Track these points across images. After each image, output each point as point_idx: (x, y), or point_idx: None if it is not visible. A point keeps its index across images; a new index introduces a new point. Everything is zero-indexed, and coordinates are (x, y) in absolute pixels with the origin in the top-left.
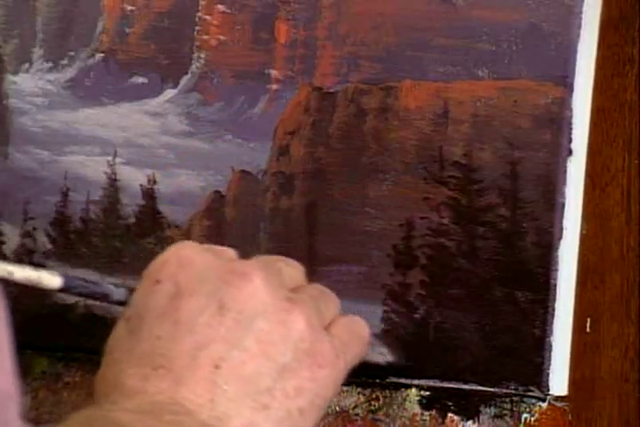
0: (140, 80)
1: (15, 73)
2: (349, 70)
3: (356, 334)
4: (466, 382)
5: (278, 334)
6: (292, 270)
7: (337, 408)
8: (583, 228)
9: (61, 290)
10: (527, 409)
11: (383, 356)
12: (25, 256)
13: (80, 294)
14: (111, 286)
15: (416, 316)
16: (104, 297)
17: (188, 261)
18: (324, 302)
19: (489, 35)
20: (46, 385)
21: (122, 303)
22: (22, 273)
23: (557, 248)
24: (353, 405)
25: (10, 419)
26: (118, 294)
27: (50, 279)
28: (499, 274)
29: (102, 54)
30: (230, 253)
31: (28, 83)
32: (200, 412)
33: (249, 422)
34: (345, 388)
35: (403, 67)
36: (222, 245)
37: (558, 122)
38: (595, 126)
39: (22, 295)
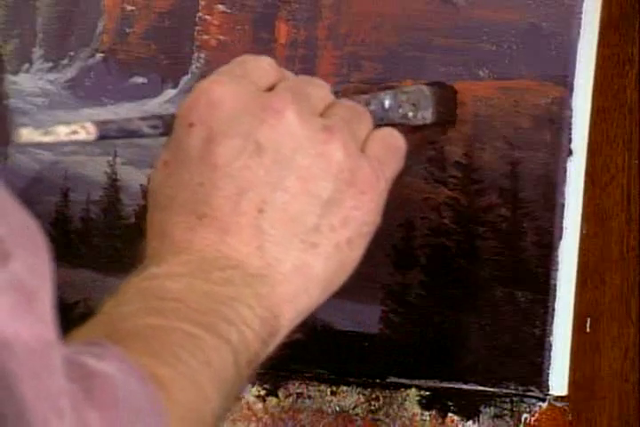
0: (140, 80)
1: (15, 73)
2: (350, 70)
3: (392, 148)
4: (466, 382)
5: (318, 168)
6: (320, 91)
7: (337, 408)
8: (583, 228)
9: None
10: (527, 409)
11: (427, 118)
12: None
13: (118, 138)
14: (149, 129)
15: (415, 316)
16: (141, 136)
17: (218, 101)
18: (357, 120)
19: (489, 35)
20: None
21: (159, 136)
22: (57, 139)
23: (557, 248)
24: (353, 405)
25: (53, 366)
26: (155, 133)
27: (85, 136)
28: (499, 274)
29: (102, 54)
30: (264, 66)
31: (28, 83)
32: (248, 261)
33: (299, 264)
34: (345, 388)
35: (403, 67)
36: None
37: (558, 122)
38: (595, 126)
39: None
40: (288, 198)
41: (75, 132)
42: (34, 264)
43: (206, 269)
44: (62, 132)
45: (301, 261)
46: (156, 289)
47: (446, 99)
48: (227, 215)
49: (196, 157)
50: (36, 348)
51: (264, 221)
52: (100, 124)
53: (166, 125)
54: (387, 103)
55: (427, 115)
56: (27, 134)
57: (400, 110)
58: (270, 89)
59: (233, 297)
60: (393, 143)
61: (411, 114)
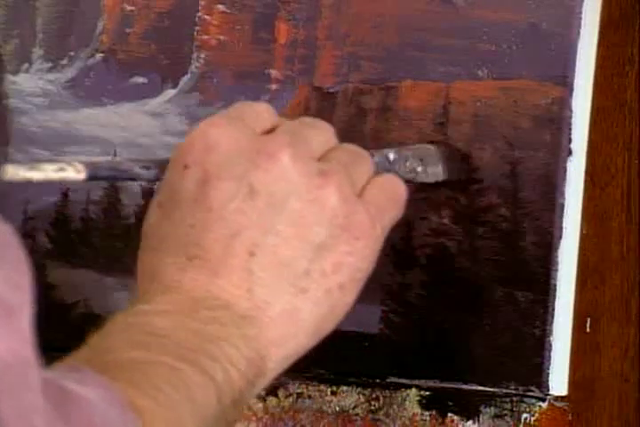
0: (140, 80)
1: (15, 73)
2: (349, 70)
3: (390, 196)
4: (466, 382)
5: (312, 213)
6: (321, 135)
7: (337, 408)
8: (583, 228)
9: (89, 179)
10: (527, 409)
11: (438, 174)
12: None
13: (108, 180)
14: (141, 169)
15: (415, 316)
16: (132, 179)
17: (214, 143)
18: (356, 165)
19: (489, 35)
20: None
21: (151, 181)
22: (44, 176)
23: (557, 248)
24: (353, 405)
25: (30, 384)
26: (148, 175)
27: (75, 176)
28: (499, 274)
29: (102, 54)
30: (261, 111)
31: (28, 83)
32: (237, 303)
33: (288, 308)
34: (345, 388)
35: (403, 67)
36: None
37: (558, 122)
38: (595, 126)
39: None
40: (280, 242)
41: (62, 169)
42: (13, 279)
43: (195, 308)
44: (49, 169)
45: (291, 305)
46: (143, 325)
47: (453, 156)
48: (217, 257)
49: (190, 198)
50: (12, 363)
51: (255, 264)
52: (90, 164)
53: (159, 167)
54: (391, 156)
55: (437, 171)
56: (12, 170)
57: (407, 164)
58: (268, 133)
59: (220, 336)
60: (393, 190)
61: (419, 169)
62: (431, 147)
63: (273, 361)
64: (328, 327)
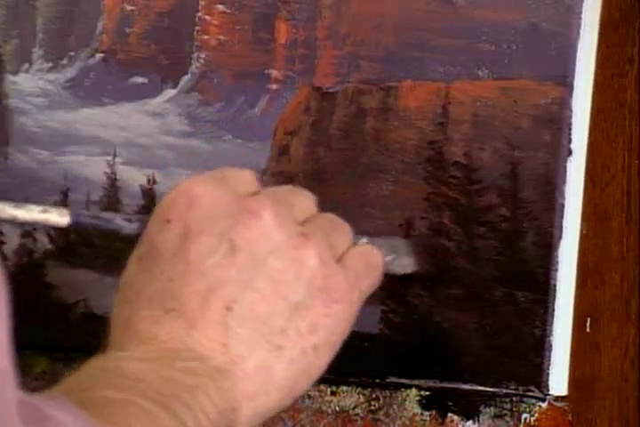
0: (140, 80)
1: (15, 73)
2: (349, 70)
3: (369, 264)
4: (466, 382)
5: (291, 272)
6: (303, 201)
7: (337, 408)
8: (583, 228)
9: (72, 226)
10: (527, 409)
11: (408, 266)
12: (25, 256)
13: (90, 229)
14: (123, 222)
15: (415, 316)
16: (114, 232)
17: (197, 199)
18: (336, 232)
19: (489, 35)
20: (46, 385)
21: (132, 237)
22: (29, 216)
23: (557, 248)
24: (353, 405)
25: (8, 396)
26: (130, 228)
27: (58, 219)
28: (499, 274)
29: (102, 54)
30: (244, 176)
31: (28, 83)
32: (212, 356)
33: (262, 364)
34: (345, 388)
35: (403, 67)
36: None
37: (558, 122)
38: (595, 126)
39: (22, 295)
40: (257, 299)
41: (46, 211)
42: None
43: (170, 358)
44: (34, 209)
45: (265, 362)
46: (118, 368)
47: (425, 250)
48: (194, 311)
49: (170, 252)
50: None
51: (231, 319)
52: (74, 211)
53: (142, 220)
54: (363, 241)
55: (407, 262)
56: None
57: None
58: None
59: (194, 385)
60: (371, 259)
61: (389, 257)
62: (402, 240)
63: (244, 415)
64: (301, 388)
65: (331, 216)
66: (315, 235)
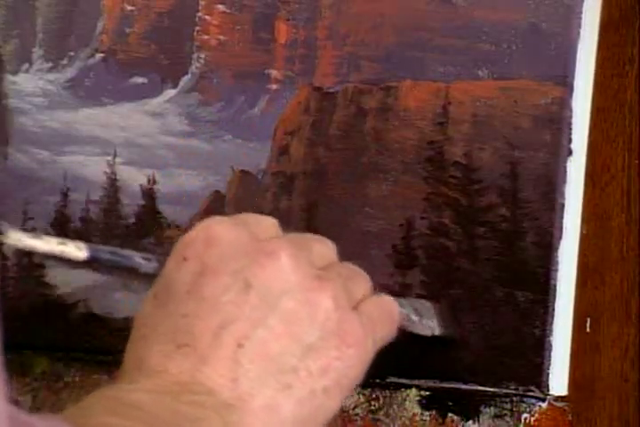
0: (140, 80)
1: (15, 73)
2: (349, 70)
3: (385, 314)
4: (466, 382)
5: (304, 312)
6: (323, 248)
7: None
8: (583, 228)
9: (88, 261)
10: (527, 409)
11: (431, 329)
12: (25, 256)
13: (108, 266)
14: (142, 260)
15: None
16: (132, 270)
17: (215, 239)
18: (354, 280)
19: (489, 35)
20: (46, 385)
21: (150, 276)
22: (46, 247)
23: (557, 248)
24: (353, 405)
25: None
26: (148, 267)
27: (75, 253)
28: (499, 274)
29: (102, 54)
30: (266, 223)
31: (28, 83)
32: (221, 391)
33: (271, 402)
34: None
35: (403, 67)
36: None
37: (558, 122)
38: (595, 126)
39: (22, 295)
40: (269, 337)
41: (63, 244)
42: None
43: (178, 391)
44: (52, 241)
45: (273, 400)
46: (122, 398)
47: (448, 314)
48: (206, 346)
49: (185, 289)
50: None
51: (242, 355)
52: (92, 245)
53: (159, 260)
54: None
55: (432, 325)
56: (15, 236)
57: (403, 311)
58: None
59: (199, 418)
60: (388, 309)
61: (414, 318)
62: (426, 302)
63: None
64: None
65: (351, 266)
66: (331, 279)
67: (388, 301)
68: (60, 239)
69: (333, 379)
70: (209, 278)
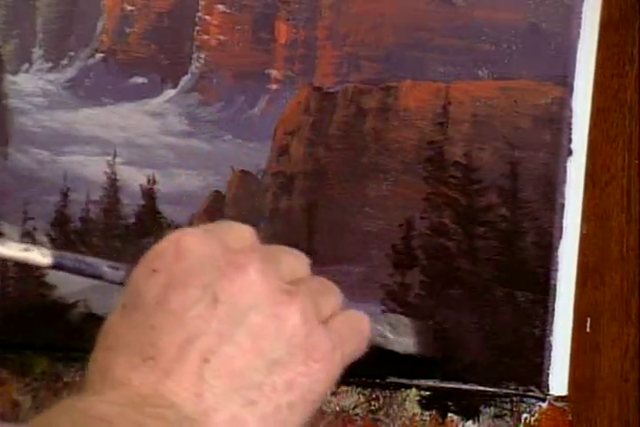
0: (140, 80)
1: (15, 73)
2: (349, 70)
3: (355, 329)
4: (466, 382)
5: (271, 327)
6: (294, 262)
7: (337, 408)
8: (583, 228)
9: (54, 267)
10: (527, 409)
11: (406, 347)
12: None
13: (72, 273)
14: (108, 268)
15: (415, 316)
16: (98, 277)
17: (185, 251)
18: (325, 295)
19: (489, 35)
20: (46, 385)
21: (117, 283)
22: (10, 253)
23: (557, 248)
24: (353, 405)
25: None
26: (114, 276)
27: (39, 259)
28: (499, 274)
29: (102, 54)
30: (240, 231)
31: (28, 83)
32: (184, 405)
33: (235, 418)
34: (345, 388)
35: (403, 67)
36: None
37: (558, 122)
38: (595, 126)
39: (22, 295)
40: (236, 352)
41: (27, 250)
42: None
43: (140, 403)
44: (16, 247)
45: (238, 415)
46: (87, 409)
47: (427, 332)
48: (171, 360)
49: (153, 301)
50: None
51: (207, 370)
52: (57, 252)
53: (127, 270)
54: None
55: (408, 342)
56: None
57: (378, 327)
58: None
59: None
60: (358, 324)
61: (390, 336)
62: (404, 318)
63: None
64: None
65: (322, 280)
66: (300, 294)
67: (358, 316)
68: (25, 245)
69: (299, 394)
70: (178, 291)
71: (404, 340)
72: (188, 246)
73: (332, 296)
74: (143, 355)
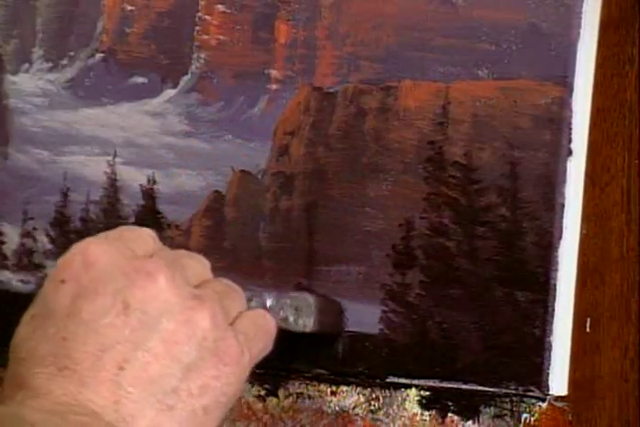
0: (140, 80)
1: (15, 73)
2: (349, 70)
3: (261, 329)
4: (466, 382)
5: (183, 333)
6: (197, 266)
7: (337, 408)
8: (583, 228)
9: None
10: (527, 409)
11: (305, 327)
12: (25, 256)
13: None
14: (19, 283)
15: (415, 316)
16: (4, 292)
17: (92, 260)
18: (230, 297)
19: (489, 35)
20: None
21: (25, 296)
22: None
23: (557, 248)
24: (353, 405)
25: None
26: (25, 288)
27: None
28: (499, 274)
29: (102, 54)
30: (143, 237)
31: (28, 83)
32: (104, 413)
33: (154, 424)
34: (345, 388)
35: (403, 67)
36: (222, 245)
37: (558, 122)
38: (595, 126)
39: (22, 295)
40: (149, 359)
41: None
42: None
43: (64, 411)
44: None
45: (156, 421)
46: (11, 414)
47: (331, 311)
48: (87, 369)
49: (64, 312)
50: None
51: (123, 378)
52: None
53: (38, 281)
54: (268, 303)
55: (308, 323)
56: None
57: (281, 313)
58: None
59: None
60: (263, 324)
61: (291, 318)
62: (310, 298)
63: None
64: None
65: (225, 281)
66: (208, 298)
67: (262, 315)
68: None
69: (212, 398)
70: (88, 301)
71: (303, 320)
72: (95, 256)
73: (236, 298)
74: (59, 365)
